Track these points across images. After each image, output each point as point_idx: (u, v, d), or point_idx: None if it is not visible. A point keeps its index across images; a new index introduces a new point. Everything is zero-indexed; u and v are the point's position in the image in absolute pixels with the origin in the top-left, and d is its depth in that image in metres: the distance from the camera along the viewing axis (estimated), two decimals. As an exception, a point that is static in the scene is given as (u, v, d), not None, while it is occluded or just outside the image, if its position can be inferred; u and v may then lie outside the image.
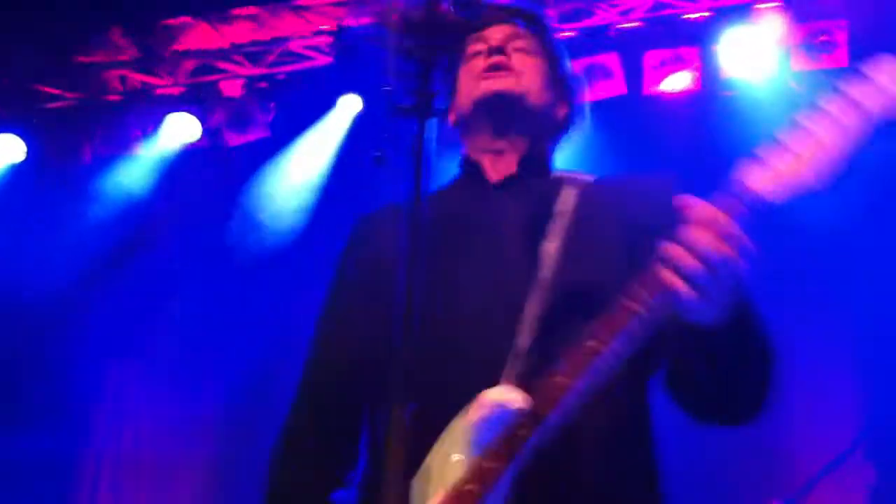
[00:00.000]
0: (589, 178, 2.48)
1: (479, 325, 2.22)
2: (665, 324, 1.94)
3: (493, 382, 2.12)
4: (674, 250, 1.85)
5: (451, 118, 2.57)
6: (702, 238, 1.83)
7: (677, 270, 1.84)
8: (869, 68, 1.88)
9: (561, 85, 2.58)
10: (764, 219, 1.87)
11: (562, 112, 2.58)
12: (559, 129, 2.59)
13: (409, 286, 1.62)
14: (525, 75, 2.47)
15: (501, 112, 2.46)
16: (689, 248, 1.84)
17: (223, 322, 7.73)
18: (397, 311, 1.65)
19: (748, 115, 7.11)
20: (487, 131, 2.50)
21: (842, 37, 6.68)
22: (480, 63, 2.47)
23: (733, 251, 1.83)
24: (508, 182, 2.47)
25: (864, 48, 6.68)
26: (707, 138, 7.18)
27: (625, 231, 2.29)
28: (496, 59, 2.45)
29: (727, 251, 1.83)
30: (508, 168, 2.50)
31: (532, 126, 2.51)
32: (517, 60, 2.48)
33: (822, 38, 6.70)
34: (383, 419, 1.84)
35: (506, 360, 2.14)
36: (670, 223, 2.21)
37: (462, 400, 2.11)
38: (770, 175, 1.88)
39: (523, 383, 2.08)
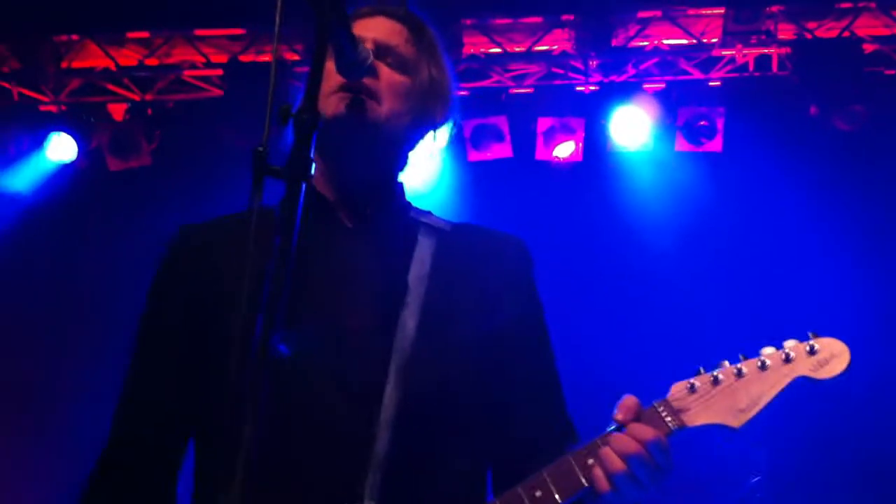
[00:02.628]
0: (445, 224, 2.36)
1: (331, 417, 2.08)
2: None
3: (351, 493, 2.02)
4: (615, 463, 2.00)
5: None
6: (635, 454, 2.00)
7: (606, 472, 2.01)
8: (816, 341, 2.09)
9: (430, 96, 2.35)
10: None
11: (427, 123, 2.36)
12: (416, 144, 2.38)
13: (256, 350, 1.49)
14: (388, 100, 2.23)
15: (348, 139, 2.24)
16: (624, 457, 2.00)
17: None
18: (234, 372, 1.53)
19: (628, 188, 7.33)
20: (334, 155, 2.27)
21: (720, 123, 6.97)
22: (339, 77, 2.18)
23: (655, 472, 2.01)
24: (362, 227, 2.28)
25: (739, 136, 7.00)
26: (587, 207, 7.36)
27: (478, 300, 2.25)
28: (362, 82, 2.18)
29: (651, 471, 2.00)
30: (361, 206, 2.29)
31: (386, 156, 2.32)
32: (385, 79, 2.24)
33: (702, 122, 6.97)
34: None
35: (366, 466, 2.04)
36: (519, 289, 2.31)
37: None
38: (701, 406, 2.07)
39: (386, 500, 2.03)
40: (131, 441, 2.22)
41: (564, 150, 7.31)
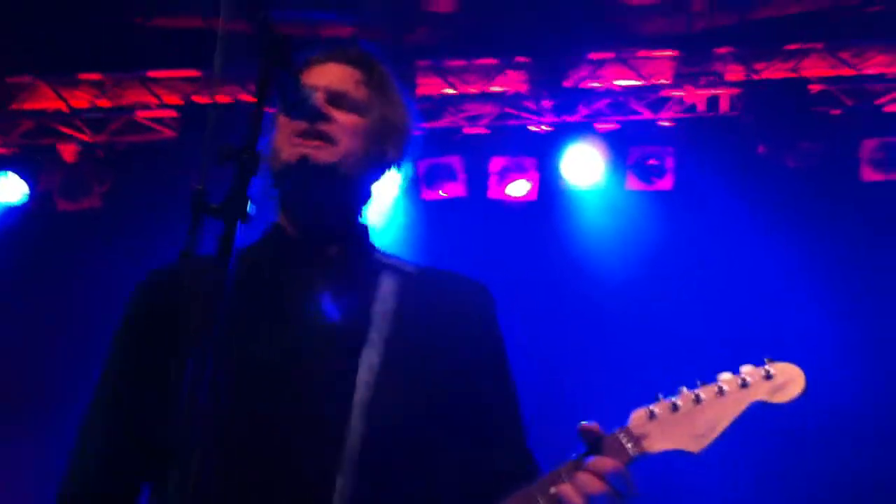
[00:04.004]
0: (410, 267, 2.39)
1: (294, 455, 2.08)
2: None
3: None
4: (567, 491, 2.02)
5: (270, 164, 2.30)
6: (595, 484, 2.02)
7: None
8: (771, 366, 2.14)
9: (386, 134, 2.38)
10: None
11: (386, 160, 2.40)
12: (378, 178, 2.41)
13: (193, 395, 1.50)
14: (344, 142, 2.26)
15: (304, 183, 2.27)
16: (582, 491, 2.02)
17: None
18: (184, 410, 1.54)
19: (581, 226, 7.39)
20: (294, 200, 2.32)
21: (670, 162, 7.07)
22: (294, 124, 2.24)
23: (618, 498, 2.03)
24: (328, 267, 2.30)
25: (690, 174, 7.10)
26: (541, 244, 7.41)
27: (442, 338, 2.27)
28: (315, 126, 2.22)
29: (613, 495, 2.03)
30: (325, 245, 2.32)
31: (346, 196, 2.35)
32: (339, 123, 2.27)
33: (652, 161, 7.06)
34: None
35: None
36: (481, 328, 2.35)
37: None
38: (660, 432, 2.10)
39: None
40: (84, 491, 2.22)
41: (518, 188, 7.36)
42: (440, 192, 7.38)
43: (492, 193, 7.43)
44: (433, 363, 2.23)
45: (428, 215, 7.37)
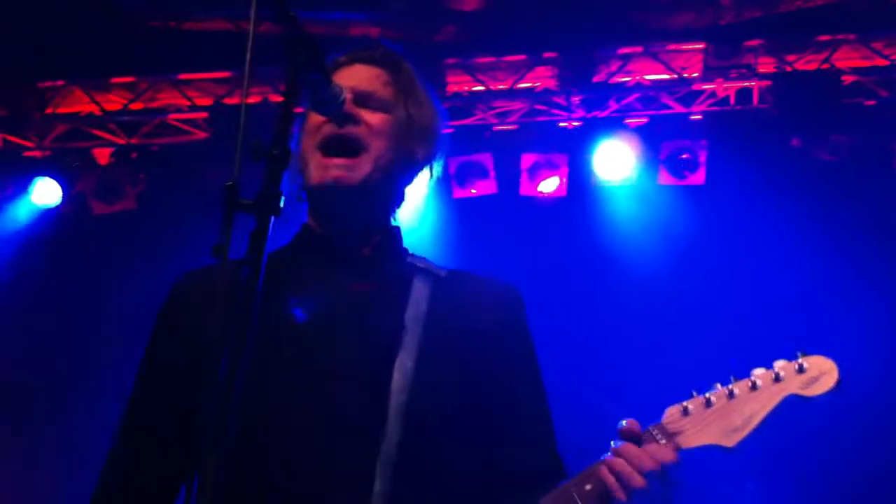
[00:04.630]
0: (441, 270, 2.41)
1: (330, 458, 2.10)
2: None
3: None
4: (622, 465, 2.04)
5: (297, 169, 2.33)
6: (646, 465, 2.05)
7: (621, 481, 2.04)
8: (804, 360, 2.13)
9: (413, 133, 2.39)
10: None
11: (415, 160, 2.41)
12: (409, 181, 2.44)
13: (226, 392, 1.50)
14: (373, 145, 2.27)
15: (336, 204, 2.30)
16: (637, 468, 2.04)
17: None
18: (213, 403, 1.55)
19: (612, 222, 7.36)
20: (326, 217, 2.35)
21: (702, 156, 7.01)
22: (324, 130, 2.26)
23: (668, 490, 2.06)
24: (362, 269, 2.32)
25: (722, 168, 7.05)
26: (572, 241, 7.39)
27: (474, 341, 2.28)
28: (339, 132, 2.24)
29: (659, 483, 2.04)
30: (358, 247, 2.34)
31: (378, 201, 2.37)
32: (367, 123, 2.28)
33: (684, 155, 7.01)
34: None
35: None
36: (512, 331, 2.36)
37: None
38: (695, 428, 2.11)
39: None
40: (123, 487, 2.26)
41: (549, 185, 7.34)
42: (472, 190, 7.37)
43: (523, 190, 7.41)
44: (465, 366, 2.25)
45: (460, 213, 7.37)
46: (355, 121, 2.26)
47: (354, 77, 2.34)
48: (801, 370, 2.11)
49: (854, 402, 6.34)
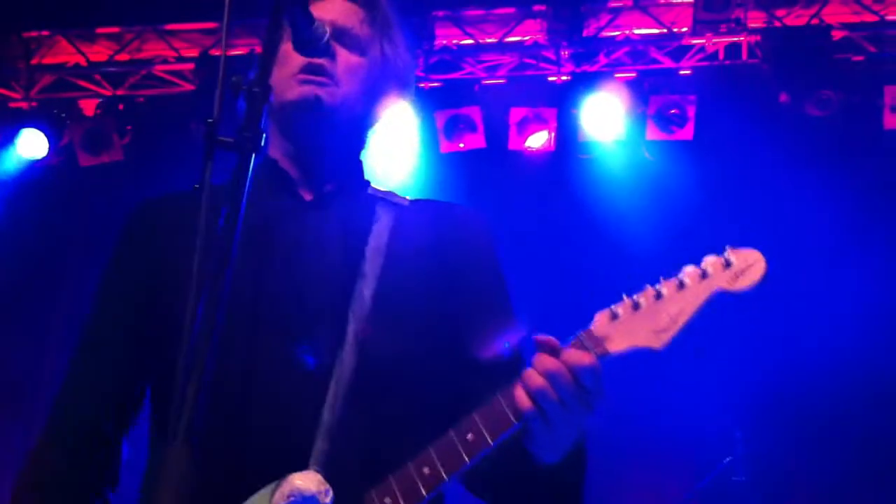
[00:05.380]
0: (404, 200, 2.40)
1: (284, 383, 2.08)
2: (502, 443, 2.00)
3: (297, 458, 2.02)
4: (535, 379, 1.94)
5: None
6: (562, 378, 1.93)
7: (535, 396, 1.94)
8: (731, 254, 2.04)
9: (386, 74, 2.38)
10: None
11: (384, 102, 2.40)
12: (375, 122, 2.42)
13: (203, 314, 1.50)
14: (345, 82, 2.26)
15: (312, 123, 2.27)
16: (551, 382, 1.93)
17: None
18: (185, 335, 1.52)
19: (600, 176, 7.36)
20: (296, 138, 2.32)
21: (691, 111, 7.01)
22: (299, 59, 2.22)
23: (582, 394, 1.95)
24: (322, 202, 2.31)
25: (710, 124, 7.04)
26: (561, 197, 7.39)
27: (437, 272, 2.26)
28: (316, 61, 2.22)
29: (581, 394, 1.94)
30: (321, 183, 2.33)
31: (347, 136, 2.37)
32: (342, 61, 2.27)
33: (673, 111, 7.00)
34: (158, 454, 1.74)
35: (313, 433, 2.03)
36: (480, 260, 2.32)
37: (259, 469, 2.00)
38: (622, 332, 2.02)
39: (332, 466, 2.02)
40: (84, 392, 2.24)
41: (537, 140, 7.33)
42: (460, 144, 7.35)
43: (512, 145, 7.40)
44: (427, 298, 2.23)
45: (448, 168, 7.36)
46: (331, 55, 2.25)
47: (332, 11, 2.32)
48: (728, 265, 2.03)
49: (843, 351, 6.42)
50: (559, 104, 7.31)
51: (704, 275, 2.04)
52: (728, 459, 5.97)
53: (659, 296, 2.04)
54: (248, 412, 2.07)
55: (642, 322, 2.02)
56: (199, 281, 1.56)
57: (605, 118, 7.16)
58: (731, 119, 7.05)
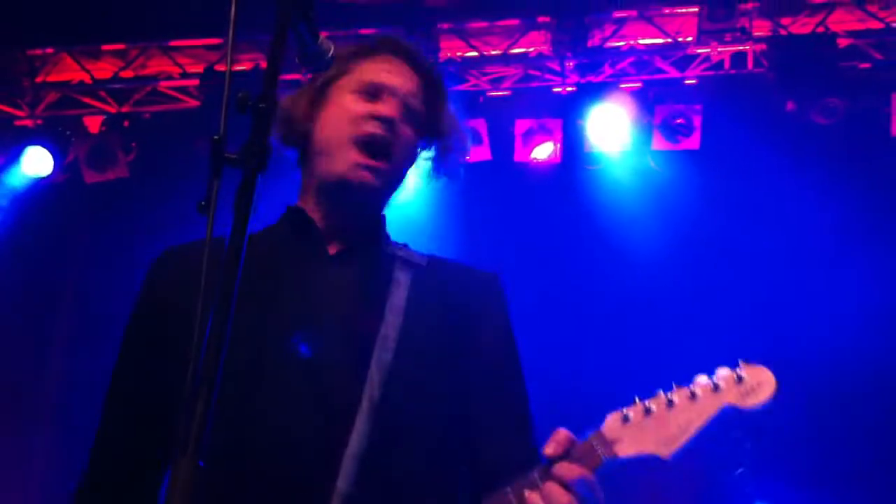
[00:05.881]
0: (421, 259, 2.40)
1: (297, 449, 2.07)
2: None
3: None
4: (534, 501, 1.99)
5: (308, 139, 2.34)
6: (561, 498, 1.98)
7: None
8: (744, 369, 2.08)
9: (439, 154, 2.45)
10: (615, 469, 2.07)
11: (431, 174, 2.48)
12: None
13: (214, 345, 1.48)
14: (398, 160, 2.31)
15: (360, 204, 2.33)
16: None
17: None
18: (194, 354, 1.52)
19: (607, 187, 7.34)
20: (336, 207, 2.34)
21: (697, 120, 6.99)
22: (369, 126, 2.26)
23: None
24: (345, 257, 2.31)
25: (717, 133, 7.02)
26: (567, 208, 7.37)
27: (453, 334, 2.27)
28: (385, 134, 2.26)
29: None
30: (345, 237, 2.35)
31: (382, 204, 2.41)
32: (402, 140, 2.31)
33: (678, 120, 6.98)
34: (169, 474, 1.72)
35: (327, 499, 2.02)
36: (493, 324, 2.33)
37: None
38: (632, 436, 2.07)
39: None
40: (113, 464, 2.24)
41: (543, 151, 7.31)
42: (465, 156, 7.33)
43: (517, 156, 7.38)
44: (443, 360, 2.23)
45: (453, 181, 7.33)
46: (395, 130, 2.29)
47: (398, 75, 2.34)
48: (739, 380, 2.07)
49: (847, 359, 6.35)
50: (564, 115, 7.29)
51: (716, 388, 2.08)
52: (739, 471, 5.93)
53: (670, 404, 2.08)
54: (262, 481, 2.04)
55: (652, 429, 2.06)
56: (208, 295, 1.54)
57: (611, 129, 7.14)
58: (737, 128, 7.03)
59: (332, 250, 2.32)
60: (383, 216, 2.45)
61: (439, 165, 2.46)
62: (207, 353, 1.49)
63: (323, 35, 2.06)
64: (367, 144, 2.26)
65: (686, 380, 2.11)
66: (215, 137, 1.64)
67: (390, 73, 2.32)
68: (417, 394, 2.17)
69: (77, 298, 7.51)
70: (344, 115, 2.29)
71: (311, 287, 2.24)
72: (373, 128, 2.25)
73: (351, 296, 2.26)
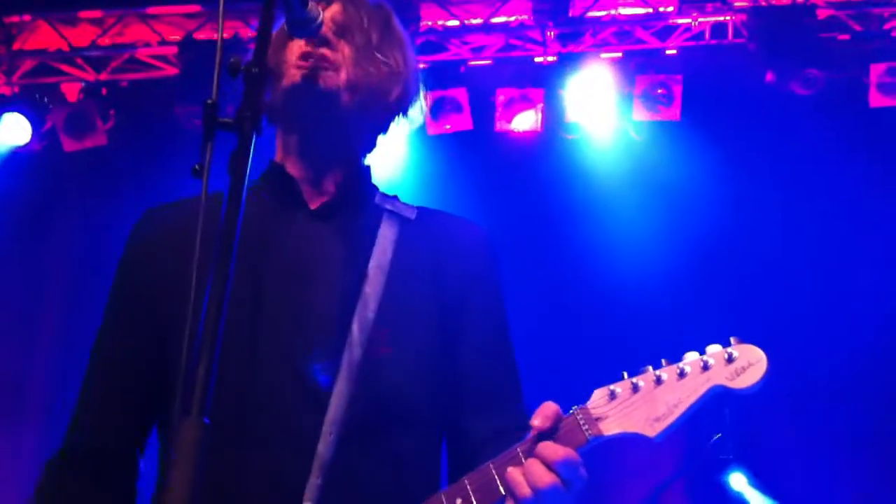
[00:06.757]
0: (409, 212, 2.34)
1: (280, 412, 2.05)
2: None
3: (291, 493, 2.01)
4: (515, 479, 1.94)
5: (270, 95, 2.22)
6: (543, 478, 1.93)
7: (516, 498, 1.94)
8: (735, 348, 2.00)
9: (390, 78, 2.30)
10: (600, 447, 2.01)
11: (388, 102, 2.31)
12: (383, 125, 2.36)
13: (215, 306, 1.47)
14: (345, 70, 2.20)
15: (311, 106, 2.20)
16: (530, 483, 1.93)
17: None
18: (198, 326, 1.50)
19: (588, 158, 7.36)
20: (296, 126, 2.26)
21: (678, 91, 7.00)
22: (299, 46, 2.18)
23: (566, 485, 1.94)
24: (327, 211, 2.25)
25: (697, 103, 7.04)
26: (548, 178, 7.38)
27: (439, 294, 2.22)
28: (316, 51, 2.17)
29: (559, 489, 1.93)
30: (327, 190, 2.27)
31: (350, 130, 2.29)
32: (342, 50, 2.22)
33: (659, 90, 6.99)
34: (170, 434, 1.72)
35: (308, 466, 2.01)
36: (481, 285, 2.29)
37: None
38: (618, 414, 2.00)
39: (324, 499, 2.01)
40: (94, 426, 2.21)
41: (524, 121, 7.31)
42: (446, 126, 7.32)
43: (498, 126, 7.37)
44: (428, 320, 2.20)
45: (434, 150, 7.33)
46: (332, 46, 2.21)
47: (334, 10, 2.27)
48: (730, 359, 1.99)
49: (838, 336, 6.40)
50: (546, 85, 7.29)
51: (706, 366, 2.00)
52: (717, 436, 6.00)
53: (659, 381, 2.01)
54: (242, 443, 2.03)
55: (639, 407, 2.00)
56: (205, 256, 1.53)
57: (592, 98, 7.15)
58: (717, 99, 7.06)
59: (313, 205, 2.25)
60: (368, 167, 2.37)
61: (387, 78, 2.29)
62: (208, 313, 1.48)
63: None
64: (301, 57, 2.19)
65: (674, 355, 2.04)
66: (209, 102, 1.63)
67: (329, 11, 2.23)
68: (401, 354, 2.13)
69: (58, 266, 7.44)
70: (277, 50, 2.22)
71: (290, 245, 2.19)
72: (304, 47, 2.19)
73: (332, 253, 2.20)
